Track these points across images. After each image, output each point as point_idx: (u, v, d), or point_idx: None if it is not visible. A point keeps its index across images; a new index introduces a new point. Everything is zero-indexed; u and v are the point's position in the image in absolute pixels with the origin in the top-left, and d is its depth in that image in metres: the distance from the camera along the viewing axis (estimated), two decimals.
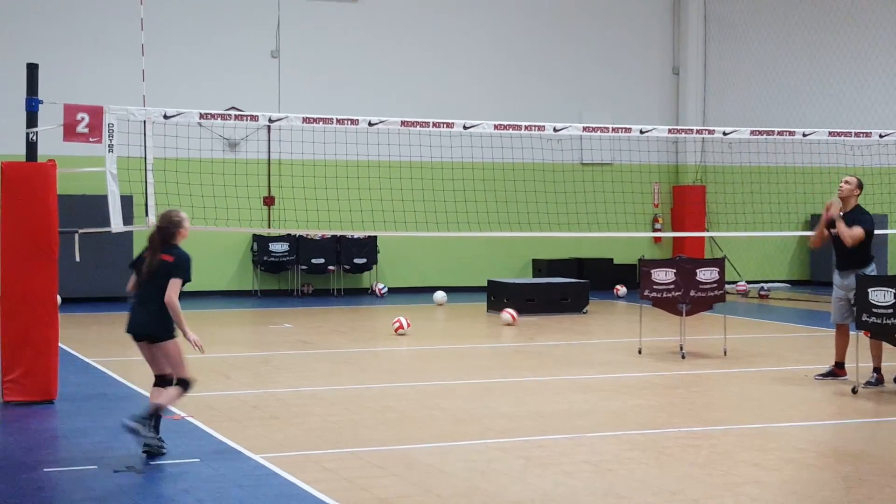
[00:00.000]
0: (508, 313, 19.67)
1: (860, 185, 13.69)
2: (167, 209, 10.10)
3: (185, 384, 9.65)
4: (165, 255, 9.65)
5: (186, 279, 9.66)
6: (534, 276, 26.69)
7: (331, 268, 25.31)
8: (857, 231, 13.30)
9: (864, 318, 12.56)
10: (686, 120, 28.07)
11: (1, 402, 11.90)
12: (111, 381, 13.67)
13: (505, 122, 16.96)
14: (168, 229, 9.74)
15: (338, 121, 15.93)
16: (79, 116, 12.88)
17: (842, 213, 13.56)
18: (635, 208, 26.30)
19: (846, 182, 13.64)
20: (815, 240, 14.17)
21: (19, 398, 11.87)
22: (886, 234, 24.32)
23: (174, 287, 9.50)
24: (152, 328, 9.57)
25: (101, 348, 16.43)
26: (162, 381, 9.69)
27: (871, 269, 13.40)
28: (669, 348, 16.32)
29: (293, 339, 18.02)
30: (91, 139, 12.98)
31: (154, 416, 9.56)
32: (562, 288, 22.32)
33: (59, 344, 12.40)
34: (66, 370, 13.21)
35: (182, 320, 9.51)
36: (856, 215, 13.50)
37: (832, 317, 13.77)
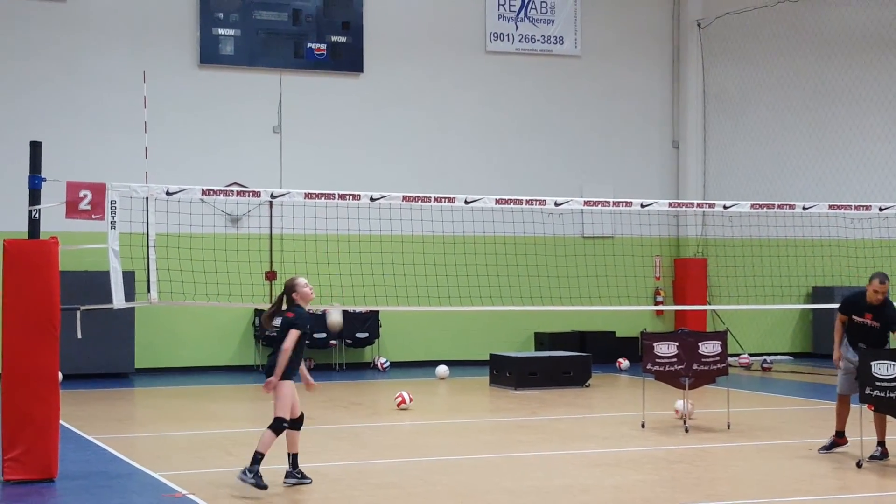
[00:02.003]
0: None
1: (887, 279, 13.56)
2: (298, 277, 12.06)
3: (275, 423, 11.43)
4: (290, 312, 11.74)
5: (304, 331, 11.61)
6: (536, 349, 26.63)
7: (332, 342, 25.27)
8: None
9: (867, 392, 12.52)
10: (686, 193, 28.16)
11: (1, 481, 11.84)
12: (112, 458, 13.60)
13: (506, 197, 17.05)
14: (289, 289, 11.84)
15: (339, 196, 16.01)
16: (81, 193, 12.94)
17: (868, 303, 13.48)
18: (637, 281, 26.32)
19: (883, 293, 13.38)
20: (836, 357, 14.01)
21: (20, 476, 11.80)
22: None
23: (290, 337, 11.49)
24: (269, 368, 11.64)
25: (102, 425, 16.36)
26: (294, 422, 11.62)
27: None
28: (672, 422, 16.25)
29: None
30: (94, 216, 13.03)
31: (293, 460, 11.66)
32: (564, 361, 22.27)
33: (60, 421, 12.35)
34: (67, 448, 13.15)
35: (283, 363, 11.47)
36: (888, 315, 13.40)
37: (839, 387, 13.72)
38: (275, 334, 11.82)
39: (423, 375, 23.86)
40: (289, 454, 11.66)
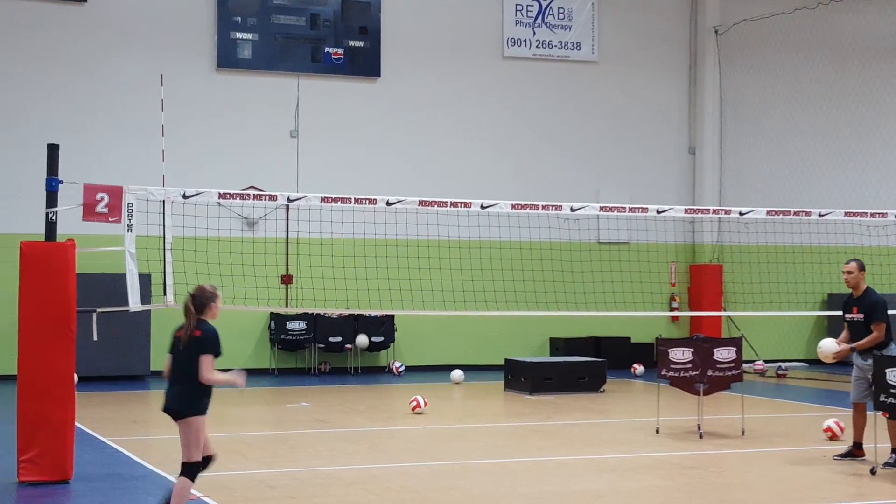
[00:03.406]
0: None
1: (862, 267, 13.66)
2: (203, 284, 10.02)
3: (189, 469, 9.45)
4: (196, 330, 9.56)
5: (217, 354, 9.51)
6: (551, 354, 26.63)
7: (348, 346, 25.30)
8: (876, 336, 13.27)
9: (881, 399, 12.50)
10: (702, 199, 28.14)
11: (17, 483, 11.88)
12: (127, 460, 13.64)
13: (522, 202, 17.06)
14: (200, 300, 9.69)
15: (356, 200, 16.03)
16: (98, 196, 12.99)
17: (853, 296, 13.59)
18: (652, 287, 26.29)
19: (848, 272, 13.60)
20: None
21: (35, 478, 11.84)
22: None
23: (205, 364, 9.38)
24: (177, 404, 9.45)
25: (117, 427, 16.42)
26: (184, 469, 9.49)
27: (892, 350, 13.37)
28: (687, 428, 16.24)
29: (310, 417, 17.99)
30: (110, 219, 13.08)
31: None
32: (579, 367, 22.26)
33: (76, 423, 12.40)
34: (82, 450, 13.20)
35: (224, 380, 9.46)
36: (868, 303, 13.45)
37: (851, 395, 13.72)
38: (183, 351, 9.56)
39: (438, 380, 23.87)
40: None
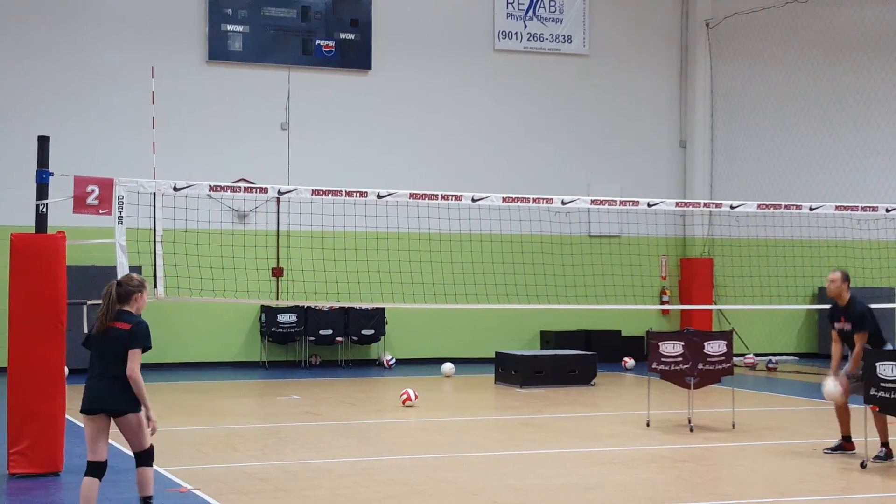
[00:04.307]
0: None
1: (846, 278, 13.64)
2: (130, 273, 9.51)
3: (148, 456, 9.16)
4: (120, 322, 9.04)
5: (147, 347, 9.07)
6: (541, 347, 26.65)
7: (339, 339, 25.30)
8: (859, 348, 13.26)
9: (871, 393, 12.52)
10: (693, 193, 28.16)
11: (7, 475, 11.87)
12: (117, 452, 13.58)
13: (513, 195, 17.04)
14: (124, 292, 9.14)
15: (347, 193, 16.02)
16: (89, 188, 12.96)
17: (838, 306, 13.59)
18: (643, 280, 26.32)
19: (831, 281, 13.60)
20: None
21: (25, 470, 11.84)
22: (893, 309, 24.27)
23: (134, 358, 8.94)
24: (116, 402, 8.99)
25: None
26: (143, 457, 9.17)
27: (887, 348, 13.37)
28: (678, 421, 16.26)
29: (300, 410, 17.99)
30: (101, 211, 13.05)
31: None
32: (570, 360, 22.27)
33: (66, 415, 12.39)
34: (73, 442, 13.16)
35: (145, 395, 8.98)
36: (856, 314, 13.45)
37: None
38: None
39: (428, 373, 23.87)
40: (142, 499, 9.26)
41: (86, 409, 9.04)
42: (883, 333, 13.59)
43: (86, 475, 9.13)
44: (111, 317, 9.03)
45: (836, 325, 13.67)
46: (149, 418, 8.99)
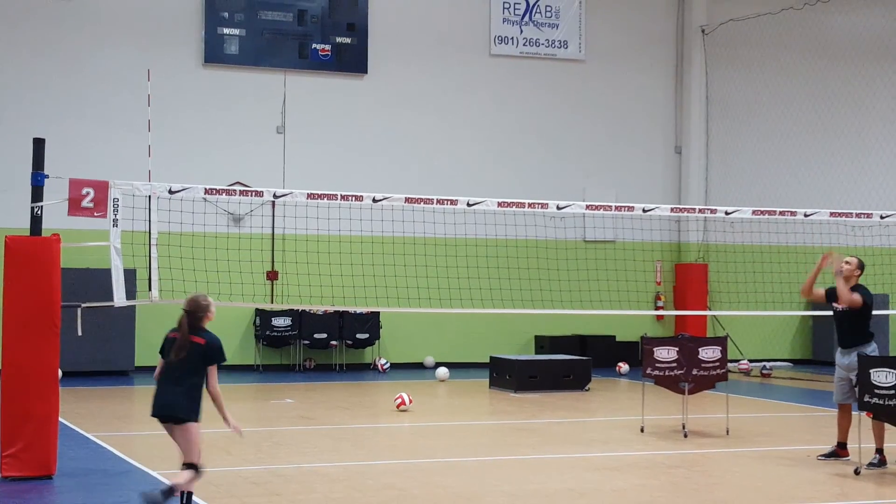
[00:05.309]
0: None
1: (861, 266, 13.75)
2: (194, 293, 10.05)
3: (194, 467, 9.58)
4: (196, 337, 9.66)
5: (222, 362, 9.76)
6: (536, 352, 26.65)
7: (333, 343, 25.28)
8: (857, 297, 13.35)
9: (866, 399, 12.53)
10: (688, 198, 28.18)
11: (0, 478, 11.84)
12: (111, 456, 13.61)
13: (508, 200, 17.07)
14: (195, 313, 9.73)
15: (342, 197, 16.02)
16: (84, 191, 12.94)
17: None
18: (638, 286, 26.32)
19: (847, 263, 13.69)
20: (805, 287, 14.11)
21: (18, 473, 11.80)
22: (888, 315, 24.31)
23: (214, 374, 9.65)
24: (180, 409, 9.56)
25: (101, 423, 16.38)
26: (191, 466, 9.60)
27: (873, 349, 13.42)
28: (672, 427, 16.26)
29: (295, 414, 17.97)
30: (96, 214, 13.03)
31: (170, 494, 9.45)
32: (564, 365, 22.27)
33: (60, 418, 12.37)
34: (66, 445, 13.16)
35: (224, 407, 9.66)
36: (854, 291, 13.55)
37: (834, 396, 13.75)
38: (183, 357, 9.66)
39: (423, 377, 23.86)
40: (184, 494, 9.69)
41: (155, 415, 9.65)
42: (870, 327, 13.62)
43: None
44: (189, 334, 9.67)
45: (835, 305, 13.68)
46: (232, 424, 9.69)
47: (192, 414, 9.55)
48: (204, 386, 9.63)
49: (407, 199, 16.28)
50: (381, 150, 26.29)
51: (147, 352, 23.84)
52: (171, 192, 14.53)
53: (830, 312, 13.89)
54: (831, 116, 28.64)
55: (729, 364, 16.46)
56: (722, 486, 12.45)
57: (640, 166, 28.46)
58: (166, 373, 9.69)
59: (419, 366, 25.79)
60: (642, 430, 15.94)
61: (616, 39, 28.32)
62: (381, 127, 26.41)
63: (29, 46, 24.17)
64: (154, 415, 9.63)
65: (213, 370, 9.61)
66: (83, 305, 13.61)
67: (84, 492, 11.40)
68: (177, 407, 9.53)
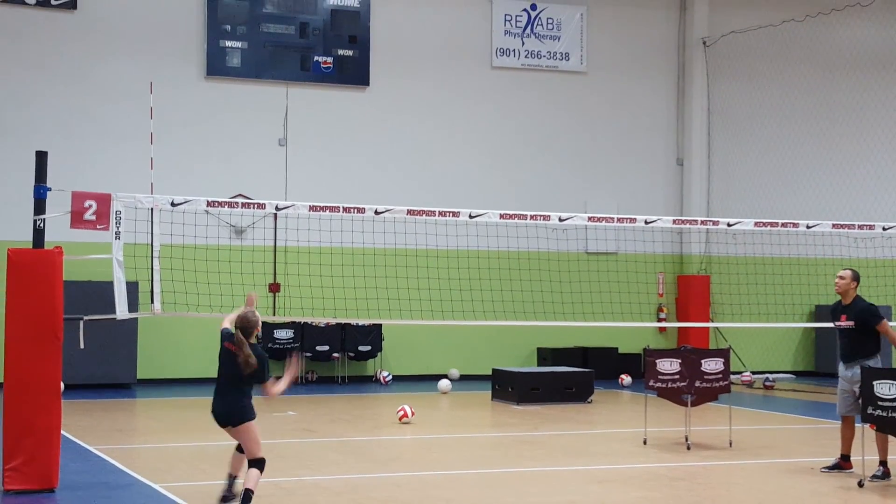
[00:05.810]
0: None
1: (856, 278, 13.75)
2: (244, 310, 10.93)
3: (260, 463, 10.68)
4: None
5: (268, 377, 10.86)
6: (538, 364, 26.62)
7: (335, 355, 25.27)
8: (889, 330, 13.38)
9: (869, 411, 12.52)
10: (690, 210, 28.18)
11: (1, 491, 11.83)
12: (113, 469, 13.60)
13: (510, 212, 17.07)
14: (247, 329, 10.79)
15: (344, 209, 16.03)
16: (86, 204, 12.96)
17: (842, 304, 13.67)
18: (640, 298, 26.31)
19: (840, 277, 13.70)
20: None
21: (20, 486, 11.78)
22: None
23: (268, 388, 10.88)
24: (233, 416, 10.73)
25: (103, 436, 16.36)
26: (255, 463, 10.72)
27: (876, 361, 13.41)
28: (674, 439, 16.24)
29: (297, 426, 17.96)
30: (98, 226, 13.06)
31: (249, 499, 10.49)
32: (566, 377, 22.25)
33: (62, 431, 12.35)
34: (68, 458, 13.15)
35: (287, 385, 10.97)
36: (857, 310, 13.52)
37: (838, 408, 13.74)
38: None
39: (425, 389, 23.85)
40: (233, 477, 11.21)
41: (216, 420, 10.90)
42: (879, 341, 13.64)
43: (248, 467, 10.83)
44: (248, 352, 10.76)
45: (837, 324, 13.70)
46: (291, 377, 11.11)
47: (247, 416, 10.71)
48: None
49: (409, 212, 16.29)
50: (382, 163, 26.29)
51: (149, 364, 23.86)
52: (173, 204, 14.54)
53: (830, 324, 13.91)
54: (833, 128, 28.64)
55: (731, 376, 16.44)
56: (725, 498, 12.44)
57: (642, 178, 28.46)
58: (222, 381, 10.84)
59: (421, 378, 25.73)
60: (645, 443, 15.93)
61: (617, 51, 28.34)
62: (383, 139, 26.41)
63: (32, 59, 24.19)
64: (215, 420, 10.82)
65: (267, 385, 10.83)
66: (85, 318, 13.62)
67: None
68: (232, 414, 10.72)
